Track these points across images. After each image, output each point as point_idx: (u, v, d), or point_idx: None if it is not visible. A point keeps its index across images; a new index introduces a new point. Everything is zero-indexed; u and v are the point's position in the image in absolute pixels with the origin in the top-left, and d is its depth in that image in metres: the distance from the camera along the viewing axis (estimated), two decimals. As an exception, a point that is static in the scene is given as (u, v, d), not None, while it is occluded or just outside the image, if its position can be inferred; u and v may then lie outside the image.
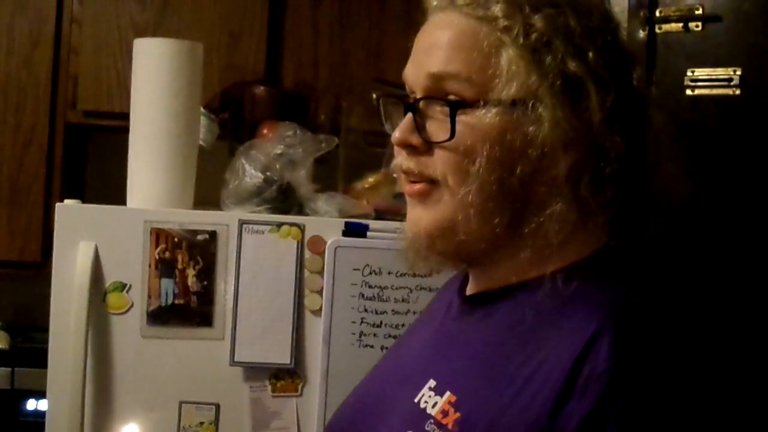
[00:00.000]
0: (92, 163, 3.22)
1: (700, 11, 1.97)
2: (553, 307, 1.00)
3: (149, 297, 2.31)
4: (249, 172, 2.42)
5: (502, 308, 1.06)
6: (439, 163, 1.05)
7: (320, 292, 2.33)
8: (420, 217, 1.08)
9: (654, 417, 0.90)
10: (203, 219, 2.34)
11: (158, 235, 2.31)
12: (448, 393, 1.03)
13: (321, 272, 2.33)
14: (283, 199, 2.42)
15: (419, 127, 1.06)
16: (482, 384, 1.00)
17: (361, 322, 2.33)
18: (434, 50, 1.06)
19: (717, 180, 1.90)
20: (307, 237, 2.33)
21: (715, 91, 1.94)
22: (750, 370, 1.65)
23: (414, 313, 2.23)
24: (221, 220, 2.35)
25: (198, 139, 2.51)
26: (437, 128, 1.05)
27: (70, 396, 2.24)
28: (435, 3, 1.09)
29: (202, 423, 2.31)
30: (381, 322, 2.32)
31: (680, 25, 1.99)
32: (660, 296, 1.03)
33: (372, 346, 2.32)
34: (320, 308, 2.33)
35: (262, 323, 2.32)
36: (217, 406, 2.33)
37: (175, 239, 2.31)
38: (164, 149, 2.40)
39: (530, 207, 1.03)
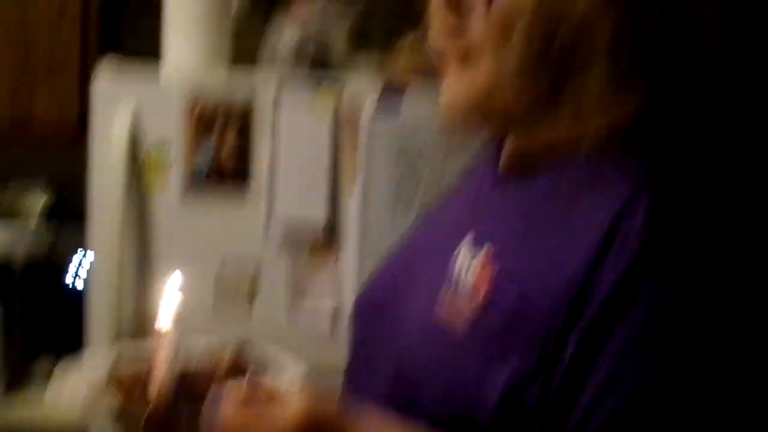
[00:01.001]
0: (127, 27, 3.19)
1: None
2: (590, 173, 0.99)
3: (188, 160, 2.33)
4: (287, 32, 2.40)
5: (538, 176, 1.05)
6: (479, 28, 1.01)
7: (357, 154, 2.33)
8: (459, 80, 1.05)
9: (690, 281, 0.90)
10: (241, 82, 2.34)
11: (196, 98, 2.31)
12: (488, 244, 1.02)
13: (358, 134, 2.32)
14: (321, 60, 2.40)
15: None
16: (520, 243, 1.00)
17: (398, 185, 2.33)
18: None
19: None
20: (344, 98, 2.32)
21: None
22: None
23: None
24: (259, 81, 2.34)
25: (234, 5, 2.49)
26: None
27: (111, 256, 2.30)
28: None
29: (239, 287, 2.35)
30: (418, 184, 2.32)
31: None
32: (700, 162, 1.01)
33: (408, 207, 2.33)
34: (356, 170, 2.34)
35: (299, 186, 2.33)
36: (256, 269, 2.36)
37: (213, 101, 2.31)
38: (201, 11, 2.39)
39: (570, 71, 0.99)
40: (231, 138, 2.32)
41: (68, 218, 2.79)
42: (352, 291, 2.33)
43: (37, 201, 2.91)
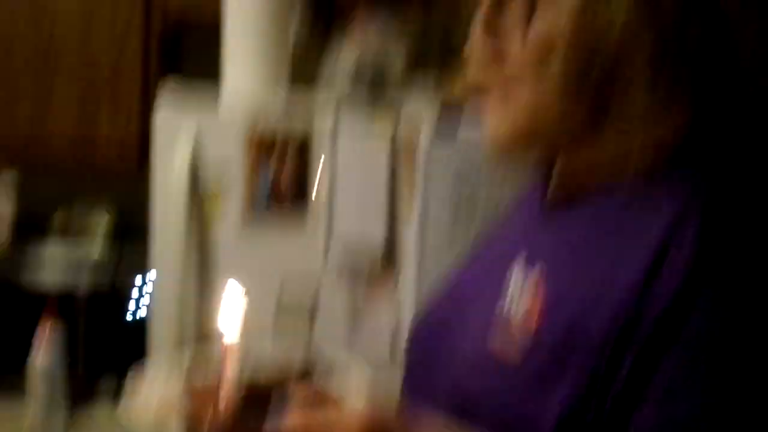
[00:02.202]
0: (187, 56, 3.23)
1: None
2: (638, 193, 0.99)
3: (248, 184, 2.35)
4: (344, 55, 2.41)
5: (586, 201, 1.05)
6: (517, 56, 1.02)
7: (413, 186, 2.34)
8: (500, 116, 1.06)
9: (742, 299, 0.89)
10: (299, 105, 2.35)
11: (255, 124, 2.34)
12: (540, 264, 1.02)
13: (415, 163, 2.33)
14: (379, 82, 2.41)
15: (502, 6, 1.03)
16: (570, 268, 1.00)
17: (456, 210, 2.32)
18: None
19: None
20: (402, 121, 2.33)
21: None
22: None
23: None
24: (317, 106, 2.36)
25: (292, 31, 2.51)
26: (517, 11, 1.02)
27: (173, 274, 2.34)
28: None
29: (297, 319, 2.36)
30: (476, 208, 2.32)
31: None
32: (747, 184, 1.00)
33: (467, 235, 2.32)
34: (415, 195, 2.34)
35: (357, 211, 2.34)
36: (315, 293, 2.38)
37: (272, 127, 2.33)
38: (260, 38, 2.42)
39: (612, 92, 0.99)
40: (290, 163, 2.34)
41: (131, 241, 2.83)
42: (411, 314, 2.34)
43: (100, 224, 2.96)
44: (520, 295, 1.02)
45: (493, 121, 1.07)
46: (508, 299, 1.04)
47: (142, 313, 2.63)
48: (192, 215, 2.35)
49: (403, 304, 2.36)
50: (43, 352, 2.54)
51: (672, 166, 1.00)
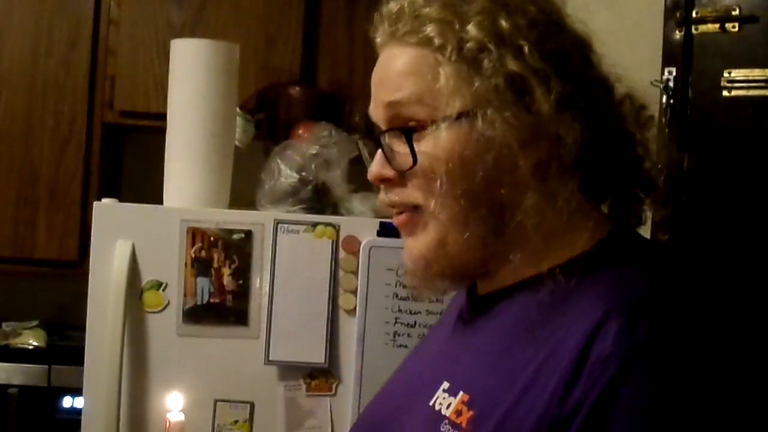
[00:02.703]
0: (129, 162, 3.25)
1: (737, 12, 1.94)
2: (557, 299, 1.03)
3: (185, 295, 2.33)
4: (284, 172, 2.43)
5: (507, 307, 1.09)
6: (413, 189, 1.09)
7: (354, 292, 2.34)
8: (413, 245, 1.12)
9: (662, 404, 0.92)
10: (239, 218, 2.36)
11: (194, 234, 2.33)
12: (461, 393, 1.05)
13: (355, 272, 2.34)
14: (318, 199, 2.43)
15: (389, 159, 1.11)
16: (493, 381, 1.03)
17: (395, 321, 2.33)
18: (385, 82, 1.12)
19: (754, 181, 1.89)
20: (341, 237, 2.35)
21: (752, 92, 1.93)
22: (757, 363, 1.63)
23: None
24: (257, 219, 2.36)
25: (234, 139, 2.53)
26: (403, 157, 1.08)
27: (107, 393, 2.26)
28: (379, 40, 1.14)
29: (236, 421, 2.32)
30: (415, 322, 2.33)
31: (717, 25, 1.97)
32: (666, 281, 1.05)
33: (406, 346, 2.33)
34: (354, 308, 2.34)
35: (296, 322, 2.33)
36: (252, 405, 2.34)
37: (211, 238, 2.33)
38: (201, 149, 2.42)
39: (507, 209, 1.06)
40: (229, 274, 2.33)
41: (64, 353, 2.77)
42: (351, 423, 2.30)
43: (34, 337, 2.89)
44: (447, 411, 1.06)
45: (407, 250, 1.14)
46: (437, 408, 1.08)
47: (77, 406, 2.56)
48: (129, 326, 2.30)
49: (343, 410, 2.33)
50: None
51: (592, 266, 1.04)
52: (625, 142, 1.11)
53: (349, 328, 2.35)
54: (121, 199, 2.44)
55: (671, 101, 2.00)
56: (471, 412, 1.02)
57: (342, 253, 2.34)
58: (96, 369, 2.31)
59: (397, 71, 1.10)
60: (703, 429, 0.93)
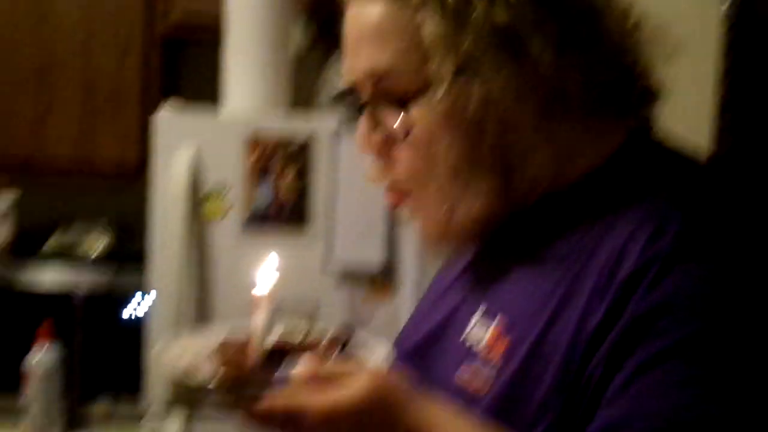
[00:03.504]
0: (188, 71, 3.26)
1: None
2: (582, 216, 0.99)
3: (247, 202, 2.36)
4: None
5: (534, 228, 1.05)
6: (405, 160, 1.02)
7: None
8: (420, 225, 1.07)
9: (709, 310, 0.88)
10: (299, 124, 2.37)
11: (255, 141, 2.35)
12: (499, 316, 1.02)
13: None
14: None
15: (377, 124, 1.03)
16: (527, 305, 1.00)
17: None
18: (360, 46, 1.02)
19: None
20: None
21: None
22: None
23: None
24: (316, 125, 2.37)
25: (293, 44, 2.53)
26: (394, 128, 1.01)
27: (171, 297, 2.32)
28: None
29: (298, 325, 2.36)
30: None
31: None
32: (691, 183, 1.00)
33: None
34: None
35: (357, 228, 2.35)
36: (313, 309, 2.38)
37: (272, 144, 2.34)
38: (260, 55, 2.42)
39: (514, 163, 1.00)
40: (290, 178, 2.35)
41: (129, 257, 2.83)
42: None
43: (98, 241, 2.95)
44: (483, 337, 1.03)
45: (418, 222, 1.07)
46: (471, 339, 1.04)
47: (140, 314, 2.62)
48: (190, 231, 2.35)
49: (402, 314, 2.36)
50: (41, 355, 2.55)
51: (609, 180, 1.00)
52: (619, 53, 1.02)
53: (409, 234, 2.36)
54: (181, 108, 2.46)
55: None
56: (507, 339, 0.99)
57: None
58: (160, 273, 2.36)
59: (372, 33, 1.00)
60: (736, 346, 0.87)
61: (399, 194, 1.06)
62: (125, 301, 2.69)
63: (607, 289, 0.92)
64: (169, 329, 2.32)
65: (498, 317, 1.02)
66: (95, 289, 2.69)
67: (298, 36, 2.60)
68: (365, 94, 1.03)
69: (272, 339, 1.04)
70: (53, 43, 2.84)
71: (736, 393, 0.86)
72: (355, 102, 1.08)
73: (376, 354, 1.09)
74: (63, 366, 2.60)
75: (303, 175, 2.35)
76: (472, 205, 1.01)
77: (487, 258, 1.12)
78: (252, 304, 1.01)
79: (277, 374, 0.94)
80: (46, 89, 2.84)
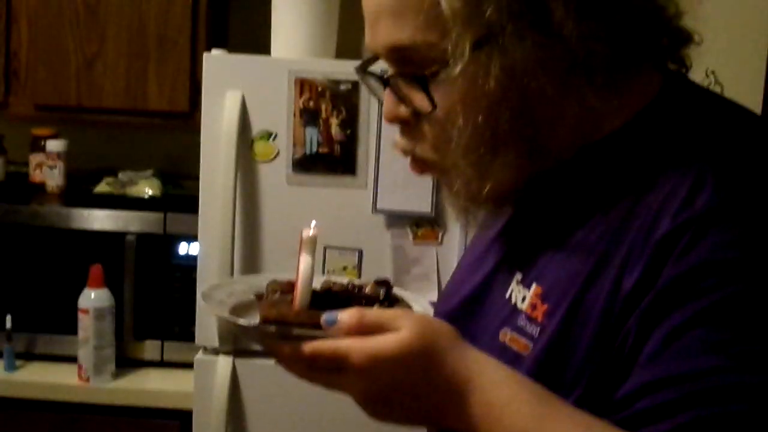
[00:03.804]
0: (236, 14, 3.26)
1: None
2: (615, 176, 0.99)
3: (294, 145, 2.37)
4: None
5: (567, 190, 1.04)
6: (429, 133, 1.02)
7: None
8: (446, 193, 1.07)
9: (748, 274, 0.87)
10: (346, 69, 2.36)
11: (302, 84, 2.35)
12: (534, 285, 1.02)
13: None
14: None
15: (402, 99, 1.02)
16: (561, 270, 1.00)
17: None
18: (380, 22, 1.00)
19: None
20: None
21: None
22: None
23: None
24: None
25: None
26: (418, 102, 1.00)
27: (220, 240, 2.34)
28: None
29: (345, 267, 2.39)
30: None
31: None
32: (728, 133, 0.97)
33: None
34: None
35: (403, 172, 2.34)
36: (360, 252, 2.40)
37: (319, 88, 2.35)
38: (308, 2, 2.42)
39: (540, 133, 0.98)
40: (338, 122, 2.36)
41: (179, 201, 2.86)
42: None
43: (148, 184, 2.98)
44: (526, 296, 1.03)
45: (445, 191, 1.08)
46: (515, 298, 1.05)
47: (190, 256, 2.66)
48: (240, 162, 2.36)
49: (449, 258, 2.37)
50: (93, 296, 2.60)
51: (639, 135, 0.99)
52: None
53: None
54: (230, 51, 2.46)
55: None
56: (545, 306, 1.00)
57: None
58: (210, 216, 2.39)
59: (390, 9, 0.97)
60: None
61: (423, 164, 1.06)
62: (176, 243, 2.72)
63: (643, 250, 0.91)
64: (218, 271, 2.35)
65: (533, 287, 1.02)
66: (146, 231, 2.72)
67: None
68: (388, 68, 1.02)
69: (318, 281, 1.06)
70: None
71: None
72: (379, 75, 1.07)
73: (418, 303, 1.11)
74: (115, 307, 2.65)
75: (351, 119, 2.36)
76: (499, 176, 1.00)
77: (522, 221, 1.11)
78: (299, 245, 1.01)
79: (323, 317, 0.95)
80: (95, 35, 2.85)
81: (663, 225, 0.90)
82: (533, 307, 1.01)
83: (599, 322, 0.93)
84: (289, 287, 1.04)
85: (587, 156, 1.01)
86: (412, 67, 0.98)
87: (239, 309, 1.09)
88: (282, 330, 0.97)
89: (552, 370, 0.97)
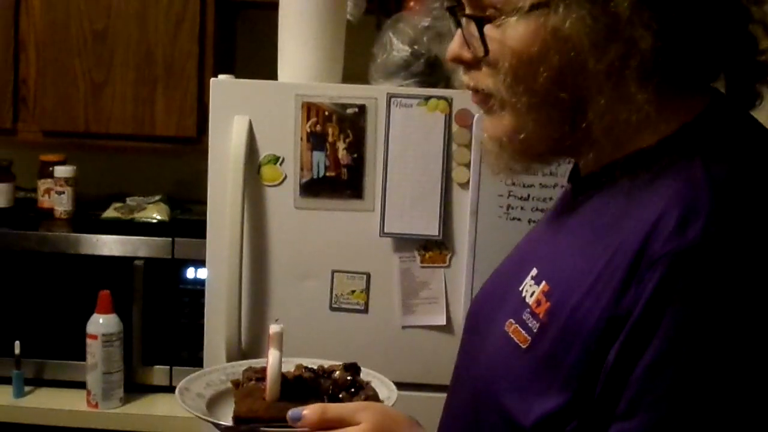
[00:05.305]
0: (243, 39, 3.28)
1: None
2: (629, 193, 1.00)
3: (301, 169, 2.38)
4: (396, 45, 2.43)
5: (593, 196, 1.07)
6: (485, 76, 1.07)
7: (468, 165, 2.35)
8: (488, 126, 1.11)
9: (716, 306, 0.88)
10: (352, 93, 2.37)
11: (309, 109, 2.36)
12: (543, 282, 1.06)
13: (468, 145, 2.35)
14: (431, 73, 2.43)
15: (468, 42, 1.07)
16: (569, 276, 1.02)
17: (509, 195, 2.34)
18: None
19: None
20: (454, 110, 2.35)
21: None
22: None
23: (561, 187, 2.23)
24: (370, 93, 2.38)
25: (346, 13, 2.53)
26: (477, 43, 1.05)
27: (228, 264, 2.34)
28: None
29: (353, 291, 2.39)
30: (528, 195, 2.34)
31: None
32: (744, 172, 0.97)
33: (519, 219, 2.34)
34: (468, 181, 2.36)
35: (411, 195, 2.36)
36: (368, 276, 2.40)
37: (326, 113, 2.35)
38: (314, 24, 2.43)
39: (575, 109, 1.02)
40: (344, 148, 2.36)
41: (186, 225, 2.86)
42: (465, 295, 2.36)
43: (158, 211, 2.99)
44: (534, 291, 1.07)
45: (485, 129, 1.12)
46: (523, 294, 1.10)
47: (198, 280, 2.66)
48: (247, 186, 2.36)
49: (457, 281, 2.37)
50: (102, 322, 2.60)
51: (668, 156, 0.99)
52: (736, 19, 1.01)
53: (463, 201, 2.37)
54: (237, 76, 2.47)
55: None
56: (548, 303, 1.03)
57: (455, 127, 2.35)
58: (217, 241, 2.39)
59: None
60: (741, 352, 0.87)
61: (484, 97, 1.10)
62: (184, 268, 2.72)
63: (625, 273, 0.93)
64: (226, 295, 2.35)
65: (542, 284, 1.06)
66: (154, 256, 2.72)
67: (351, 4, 2.60)
68: (465, 6, 1.08)
69: (289, 369, 1.18)
70: (109, 10, 2.86)
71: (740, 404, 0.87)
72: (452, 10, 1.13)
73: (385, 386, 1.24)
74: (123, 333, 2.65)
75: (358, 142, 2.36)
76: (536, 130, 1.05)
77: (556, 215, 1.18)
78: (269, 337, 1.14)
79: (289, 414, 1.05)
80: (102, 62, 2.87)
81: (649, 252, 0.92)
82: (538, 303, 1.04)
83: (589, 336, 0.95)
84: (264, 373, 1.15)
85: (622, 166, 1.03)
86: (479, 10, 1.04)
87: (216, 399, 1.22)
88: (252, 428, 1.10)
89: (545, 367, 1.00)
